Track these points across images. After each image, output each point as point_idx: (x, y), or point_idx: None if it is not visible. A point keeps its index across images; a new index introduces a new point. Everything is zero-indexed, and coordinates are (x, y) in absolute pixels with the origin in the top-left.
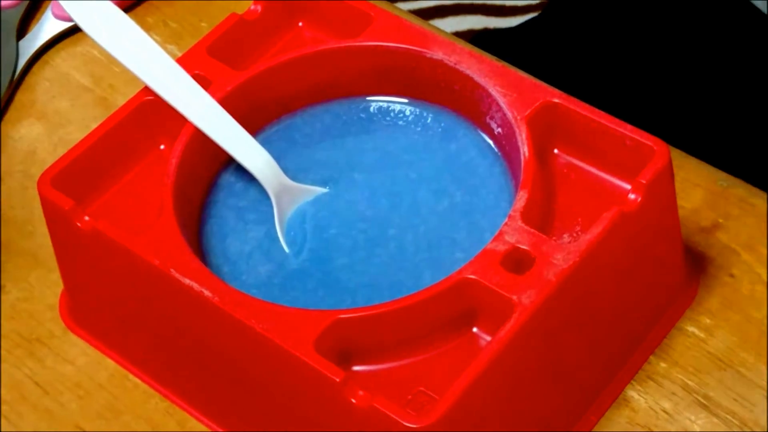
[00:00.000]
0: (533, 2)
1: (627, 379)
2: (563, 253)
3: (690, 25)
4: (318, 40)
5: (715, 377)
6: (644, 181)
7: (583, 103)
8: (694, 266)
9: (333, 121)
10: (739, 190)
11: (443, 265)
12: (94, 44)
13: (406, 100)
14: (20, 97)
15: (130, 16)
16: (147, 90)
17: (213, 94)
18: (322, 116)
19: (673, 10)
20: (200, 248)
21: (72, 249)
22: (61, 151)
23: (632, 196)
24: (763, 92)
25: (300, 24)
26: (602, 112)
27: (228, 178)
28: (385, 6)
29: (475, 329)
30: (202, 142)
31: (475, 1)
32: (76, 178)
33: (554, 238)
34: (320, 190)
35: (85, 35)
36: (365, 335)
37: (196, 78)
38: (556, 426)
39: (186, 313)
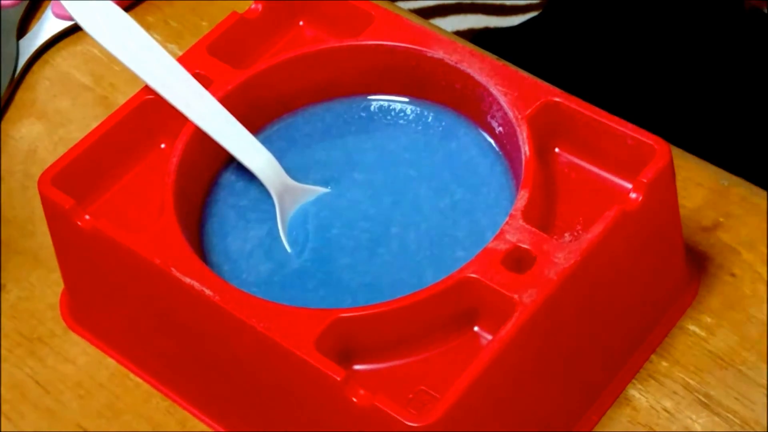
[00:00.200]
0: (534, 1)
1: (628, 378)
2: (564, 252)
3: (691, 24)
4: (319, 39)
5: (717, 376)
6: (645, 180)
7: (584, 102)
8: (696, 265)
9: (334, 120)
10: (741, 189)
11: (445, 263)
12: (95, 43)
13: (406, 99)
14: (21, 96)
15: (131, 15)
16: (147, 89)
17: (214, 93)
18: (322, 115)
19: (673, 9)
20: (201, 247)
21: (73, 248)
22: (62, 151)
23: (633, 195)
24: (763, 91)
25: (301, 23)
26: (603, 111)
27: (229, 177)
28: (386, 5)
29: (476, 328)
30: (202, 141)
31: (475, 1)
32: (76, 177)
33: (555, 237)
34: (322, 189)
35: (86, 34)
36: (366, 334)
37: (197, 77)
38: (557, 425)
39: (187, 312)
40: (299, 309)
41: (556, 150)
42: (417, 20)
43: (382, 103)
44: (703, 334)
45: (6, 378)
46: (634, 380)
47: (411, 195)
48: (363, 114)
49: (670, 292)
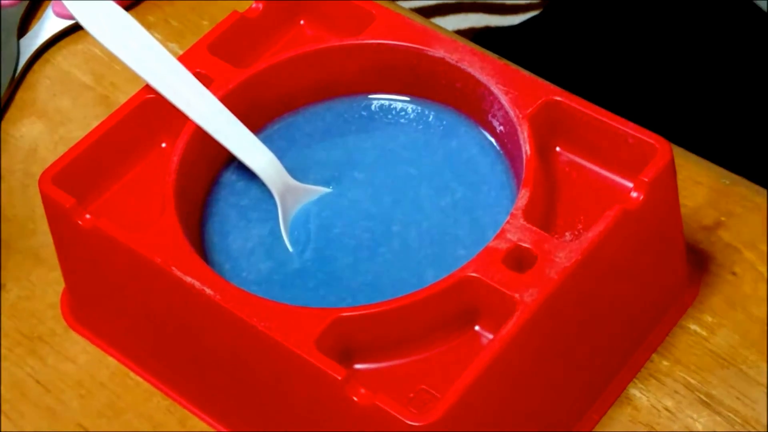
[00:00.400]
0: (535, 0)
1: (629, 377)
2: (565, 252)
3: (692, 23)
4: (319, 38)
5: (718, 375)
6: (646, 179)
7: (585, 101)
8: (697, 264)
9: (334, 119)
10: (742, 188)
11: (446, 262)
12: (95, 42)
13: (407, 99)
14: (21, 95)
15: (132, 14)
16: (148, 88)
17: (214, 92)
18: (323, 114)
19: (674, 8)
20: (202, 246)
21: (73, 247)
22: (62, 150)
23: (634, 194)
24: (764, 90)
25: (301, 22)
26: (604, 110)
27: (229, 176)
28: (387, 4)
29: (477, 327)
30: (203, 141)
31: (476, 0)
32: (77, 176)
33: (556, 236)
34: (324, 190)
35: (86, 33)
36: (367, 333)
37: (198, 76)
38: (558, 424)
39: (187, 311)
40: (300, 308)
41: (557, 149)
42: (418, 19)
43: (382, 102)
44: (704, 333)
45: (6, 377)
46: (635, 379)
47: (412, 194)
48: (364, 113)
49: (671, 291)
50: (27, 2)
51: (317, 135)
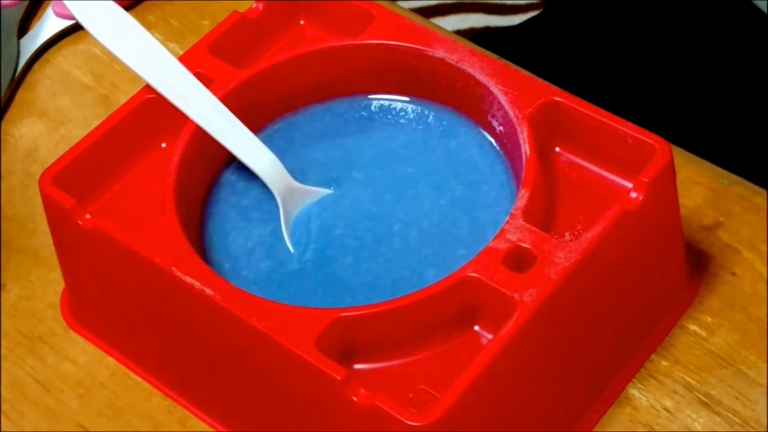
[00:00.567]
0: (534, 1)
1: (628, 377)
2: (565, 252)
3: (691, 23)
4: (319, 38)
5: (717, 376)
6: (646, 180)
7: (584, 101)
8: (696, 264)
9: (334, 119)
10: (741, 188)
11: (446, 261)
12: (96, 42)
13: (407, 99)
14: (21, 95)
15: (132, 14)
16: (148, 88)
17: (214, 92)
18: (323, 115)
19: (674, 8)
20: (202, 246)
21: (73, 247)
22: (63, 150)
23: (634, 195)
24: (763, 91)
25: (301, 22)
26: (604, 111)
27: (229, 176)
28: (387, 4)
29: (476, 327)
30: (203, 141)
31: (476, 0)
32: (77, 176)
33: (556, 236)
34: (325, 191)
35: (87, 33)
36: (367, 333)
37: (198, 76)
38: (558, 424)
39: (187, 311)
40: (300, 308)
41: (557, 149)
42: (418, 19)
43: (382, 102)
44: (703, 333)
45: (6, 377)
46: (634, 380)
47: (412, 193)
48: (364, 113)
49: (670, 291)
50: (27, 2)
51: (317, 135)
